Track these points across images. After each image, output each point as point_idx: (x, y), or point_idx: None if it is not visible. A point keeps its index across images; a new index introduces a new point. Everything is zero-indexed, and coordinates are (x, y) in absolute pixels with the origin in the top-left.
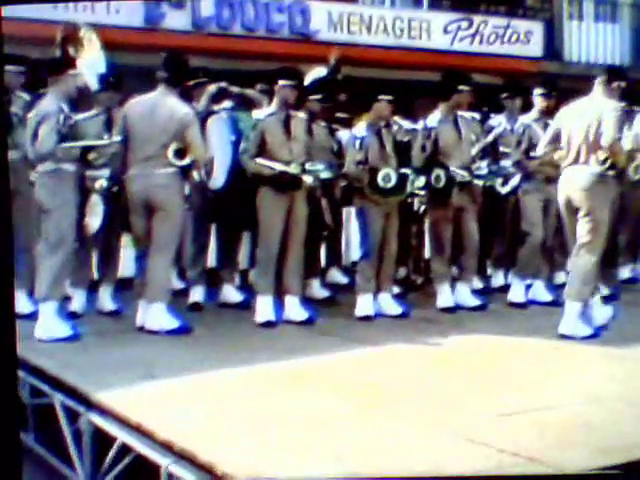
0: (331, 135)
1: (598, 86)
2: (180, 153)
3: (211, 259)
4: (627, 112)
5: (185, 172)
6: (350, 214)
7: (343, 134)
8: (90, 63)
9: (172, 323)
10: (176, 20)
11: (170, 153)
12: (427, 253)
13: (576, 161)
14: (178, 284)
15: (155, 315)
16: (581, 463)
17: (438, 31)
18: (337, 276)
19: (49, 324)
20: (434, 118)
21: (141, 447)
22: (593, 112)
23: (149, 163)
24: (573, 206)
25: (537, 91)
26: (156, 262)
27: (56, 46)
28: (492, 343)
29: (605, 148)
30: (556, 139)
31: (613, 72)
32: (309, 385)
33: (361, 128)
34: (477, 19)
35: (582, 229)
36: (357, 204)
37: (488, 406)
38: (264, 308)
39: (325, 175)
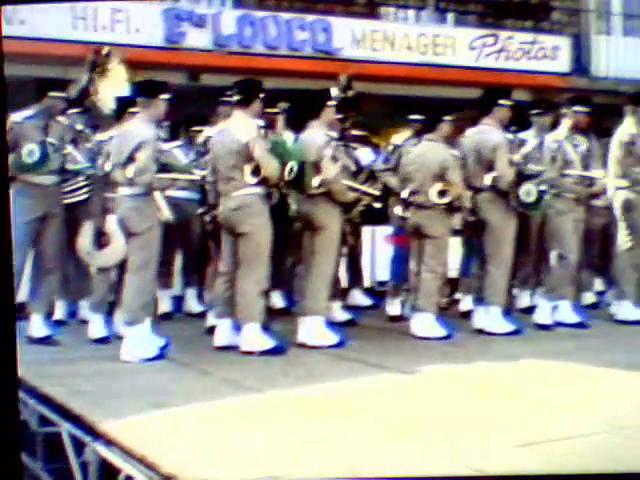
0: (348, 154)
1: None
2: (256, 172)
3: None
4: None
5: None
6: (375, 233)
7: (362, 153)
8: (112, 89)
9: (268, 343)
10: (197, 39)
11: (247, 173)
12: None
13: None
14: (198, 306)
15: (250, 336)
16: None
17: (463, 47)
18: (359, 298)
19: (140, 346)
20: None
21: None
22: None
23: (229, 184)
24: None
25: (570, 108)
26: (243, 283)
27: (85, 69)
28: (517, 367)
29: None
30: None
31: None
32: (322, 414)
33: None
34: (503, 35)
35: None
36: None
37: (507, 435)
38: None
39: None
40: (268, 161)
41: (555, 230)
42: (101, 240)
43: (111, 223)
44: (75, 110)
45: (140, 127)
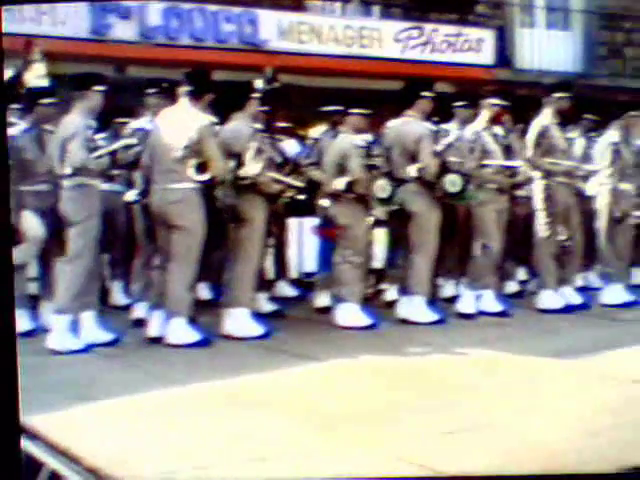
0: (273, 146)
1: None
2: (201, 169)
3: None
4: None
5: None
6: (302, 225)
7: (287, 144)
8: (33, 81)
9: (194, 336)
10: (123, 30)
11: (191, 168)
12: (379, 264)
13: None
14: (123, 299)
15: (176, 329)
16: None
17: (389, 40)
18: (286, 289)
19: (62, 337)
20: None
21: (69, 474)
22: None
23: (167, 177)
24: None
25: (491, 101)
26: (173, 277)
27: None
28: (441, 356)
29: None
30: None
31: None
32: (247, 405)
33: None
34: (428, 27)
35: None
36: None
37: (432, 424)
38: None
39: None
40: (218, 160)
41: (478, 220)
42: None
43: (25, 219)
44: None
45: (72, 119)
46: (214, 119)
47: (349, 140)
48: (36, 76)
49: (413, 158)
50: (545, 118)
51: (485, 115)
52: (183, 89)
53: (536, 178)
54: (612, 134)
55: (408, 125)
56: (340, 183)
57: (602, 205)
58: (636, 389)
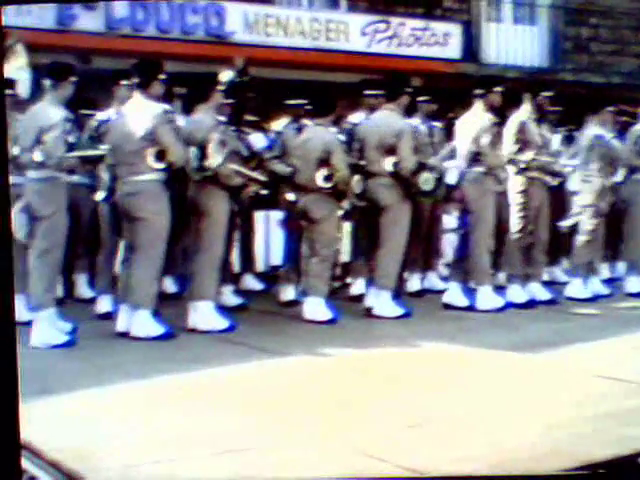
0: (239, 139)
1: None
2: (160, 156)
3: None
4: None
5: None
6: (269, 218)
7: (254, 138)
8: (18, 72)
9: (158, 329)
10: (89, 21)
11: (150, 157)
12: (345, 257)
13: None
14: (88, 293)
15: (140, 322)
16: None
17: (355, 33)
18: (251, 282)
19: (46, 332)
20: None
21: (30, 467)
22: None
23: (127, 169)
24: None
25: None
26: (137, 269)
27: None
28: (404, 350)
29: None
30: None
31: None
32: (208, 398)
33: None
34: (394, 21)
35: None
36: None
37: (394, 418)
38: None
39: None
40: (175, 146)
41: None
42: None
43: None
44: None
45: (48, 109)
46: (168, 107)
47: (334, 135)
48: (17, 67)
49: (389, 152)
50: (524, 114)
51: (483, 107)
52: (133, 80)
53: (512, 174)
54: (595, 129)
55: (388, 119)
56: (321, 176)
57: (586, 201)
58: (596, 383)
